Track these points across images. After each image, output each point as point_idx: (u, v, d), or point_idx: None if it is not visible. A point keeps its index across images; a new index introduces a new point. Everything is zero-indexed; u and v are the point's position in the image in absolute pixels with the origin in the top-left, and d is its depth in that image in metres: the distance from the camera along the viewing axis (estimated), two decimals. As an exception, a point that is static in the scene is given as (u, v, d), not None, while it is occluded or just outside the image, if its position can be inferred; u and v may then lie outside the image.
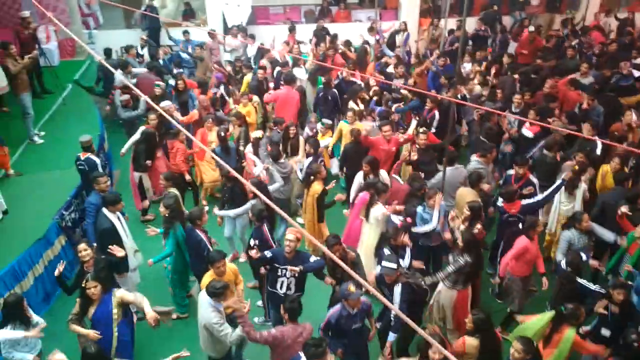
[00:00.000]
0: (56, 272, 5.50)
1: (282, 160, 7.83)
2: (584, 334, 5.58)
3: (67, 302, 6.28)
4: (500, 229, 7.02)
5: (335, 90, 10.35)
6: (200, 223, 6.20)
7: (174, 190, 7.14)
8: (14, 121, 9.01)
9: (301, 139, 8.69)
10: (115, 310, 5.04)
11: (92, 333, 5.00)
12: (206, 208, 6.84)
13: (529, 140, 8.44)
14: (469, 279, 5.92)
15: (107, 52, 12.11)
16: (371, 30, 13.81)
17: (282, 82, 10.28)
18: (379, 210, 6.63)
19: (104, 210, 6.29)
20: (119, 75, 9.79)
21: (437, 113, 9.16)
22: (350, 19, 15.75)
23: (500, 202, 6.88)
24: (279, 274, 5.72)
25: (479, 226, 6.17)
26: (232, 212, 7.09)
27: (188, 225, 6.26)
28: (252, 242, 6.11)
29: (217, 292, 4.96)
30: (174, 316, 6.66)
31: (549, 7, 16.02)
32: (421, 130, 8.08)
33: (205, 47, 12.65)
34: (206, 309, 4.98)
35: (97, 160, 7.76)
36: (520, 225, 6.46)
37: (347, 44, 12.89)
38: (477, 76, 10.61)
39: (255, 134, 8.35)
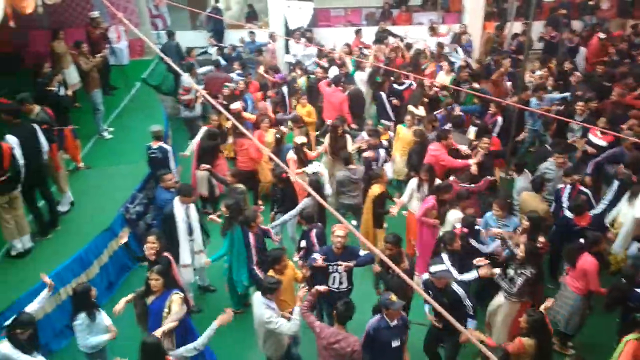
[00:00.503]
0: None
1: (352, 166, 7.75)
2: None
3: (129, 291, 6.51)
4: (565, 241, 6.54)
5: (381, 94, 10.35)
6: (255, 225, 6.28)
7: (242, 186, 7.25)
8: (84, 117, 9.41)
9: (348, 138, 8.60)
10: (166, 310, 5.14)
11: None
12: (262, 207, 6.93)
13: (602, 149, 7.97)
14: (533, 289, 5.74)
15: (170, 34, 12.66)
16: (432, 30, 13.65)
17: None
18: (454, 215, 6.54)
19: (175, 199, 6.46)
20: (186, 78, 10.08)
21: (499, 119, 8.96)
22: (411, 22, 15.58)
23: (568, 214, 6.57)
24: (330, 270, 5.74)
25: (542, 239, 5.92)
26: (285, 217, 7.06)
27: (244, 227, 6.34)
28: (302, 244, 6.20)
29: (271, 287, 5.08)
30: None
31: (620, 12, 15.28)
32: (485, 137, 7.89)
33: (266, 49, 12.87)
34: (260, 307, 5.09)
35: (169, 148, 8.00)
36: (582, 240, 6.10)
37: (408, 47, 12.79)
38: (549, 81, 10.29)
39: (299, 139, 8.24)
